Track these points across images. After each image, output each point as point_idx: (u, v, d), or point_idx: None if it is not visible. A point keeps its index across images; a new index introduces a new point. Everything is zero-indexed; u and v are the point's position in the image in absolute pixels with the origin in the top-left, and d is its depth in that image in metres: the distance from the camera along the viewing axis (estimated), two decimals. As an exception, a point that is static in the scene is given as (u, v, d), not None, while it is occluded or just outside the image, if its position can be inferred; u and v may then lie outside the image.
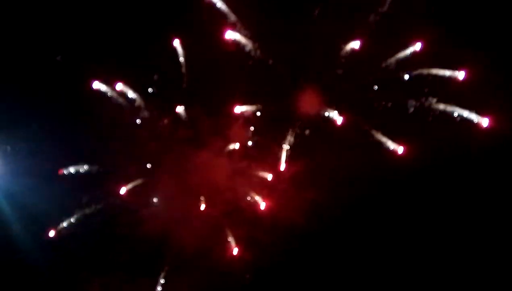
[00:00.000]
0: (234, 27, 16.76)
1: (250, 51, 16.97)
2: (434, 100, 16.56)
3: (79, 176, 19.59)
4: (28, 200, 20.02)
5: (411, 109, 16.29)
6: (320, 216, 18.58)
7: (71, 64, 18.59)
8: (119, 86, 18.41)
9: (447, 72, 16.21)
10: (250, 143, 18.27)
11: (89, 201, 19.88)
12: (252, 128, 18.03)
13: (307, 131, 17.82)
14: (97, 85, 18.50)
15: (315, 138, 18.00)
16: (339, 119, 17.36)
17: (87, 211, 19.71)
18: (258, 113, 17.56)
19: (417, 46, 16.54)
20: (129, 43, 18.29)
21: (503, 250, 16.97)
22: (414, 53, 16.46)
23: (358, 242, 18.52)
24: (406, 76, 16.48)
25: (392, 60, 16.81)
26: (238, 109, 17.58)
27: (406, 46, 16.67)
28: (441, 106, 16.51)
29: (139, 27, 18.12)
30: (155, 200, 19.36)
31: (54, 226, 19.48)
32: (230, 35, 16.66)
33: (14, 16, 18.43)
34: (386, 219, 18.22)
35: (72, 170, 19.26)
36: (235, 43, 16.88)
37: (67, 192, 19.85)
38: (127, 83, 18.66)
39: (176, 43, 18.65)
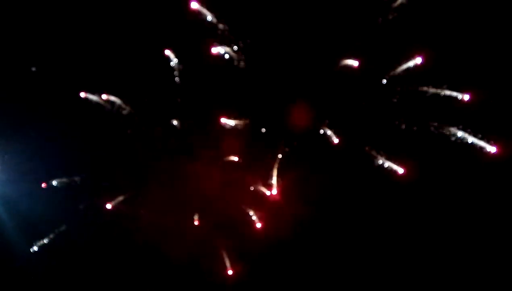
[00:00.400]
0: (224, 40, 15.85)
1: (240, 63, 16.04)
2: (436, 120, 15.38)
3: (75, 184, 19.55)
4: (26, 206, 20.10)
5: (403, 126, 15.06)
6: (313, 231, 17.97)
7: (65, 74, 18.32)
8: (105, 96, 17.94)
9: (452, 93, 14.86)
10: (241, 156, 17.55)
11: (84, 209, 19.85)
12: (243, 141, 17.28)
13: (300, 147, 16.89)
14: (85, 95, 18.12)
15: (308, 154, 17.07)
16: (335, 139, 16.32)
17: (81, 220, 19.68)
18: (251, 126, 16.79)
19: (418, 61, 15.19)
20: (121, 54, 17.81)
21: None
22: (414, 69, 15.17)
23: (352, 258, 17.87)
24: (406, 93, 15.30)
25: (391, 75, 15.56)
26: (225, 121, 16.77)
27: (406, 60, 15.42)
28: (445, 128, 15.25)
29: (131, 37, 17.61)
30: (145, 211, 19.08)
31: (50, 232, 19.53)
32: (217, 49, 15.75)
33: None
34: (381, 236, 17.42)
35: (60, 181, 19.16)
36: (225, 56, 15.99)
37: (64, 199, 19.89)
38: (118, 93, 18.23)
39: (168, 52, 17.90)
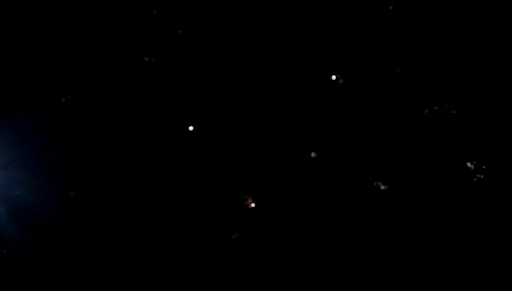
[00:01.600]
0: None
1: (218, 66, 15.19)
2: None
3: (64, 171, 19.60)
4: (15, 192, 20.24)
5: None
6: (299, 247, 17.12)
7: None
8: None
9: (436, 107, 13.62)
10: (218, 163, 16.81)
11: (76, 196, 19.89)
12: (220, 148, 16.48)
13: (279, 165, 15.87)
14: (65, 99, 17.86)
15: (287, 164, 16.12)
16: (313, 153, 15.25)
17: (71, 208, 19.70)
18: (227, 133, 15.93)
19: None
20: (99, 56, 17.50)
21: None
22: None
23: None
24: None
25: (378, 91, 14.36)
26: (192, 128, 16.01)
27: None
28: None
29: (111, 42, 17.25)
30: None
31: (40, 220, 19.61)
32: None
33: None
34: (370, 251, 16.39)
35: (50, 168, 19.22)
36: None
37: (55, 185, 19.94)
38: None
39: (148, 60, 17.31)
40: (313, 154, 14.85)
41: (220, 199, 17.57)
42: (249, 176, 16.43)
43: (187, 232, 18.59)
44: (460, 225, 16.23)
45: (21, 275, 21.35)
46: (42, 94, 19.35)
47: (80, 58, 19.22)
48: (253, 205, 16.00)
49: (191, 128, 15.73)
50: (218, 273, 17.22)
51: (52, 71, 19.34)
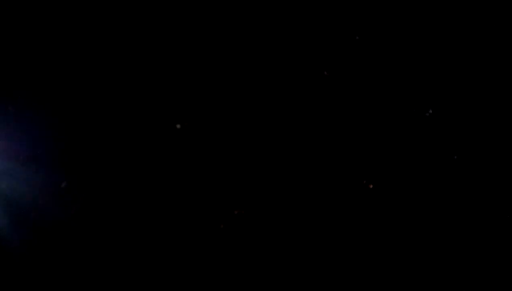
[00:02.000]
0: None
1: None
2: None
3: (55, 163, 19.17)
4: (6, 184, 19.99)
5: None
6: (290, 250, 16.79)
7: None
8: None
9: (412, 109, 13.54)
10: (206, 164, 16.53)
11: (68, 188, 19.52)
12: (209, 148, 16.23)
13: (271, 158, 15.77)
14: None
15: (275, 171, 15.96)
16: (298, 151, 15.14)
17: (62, 199, 19.33)
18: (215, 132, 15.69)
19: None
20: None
21: None
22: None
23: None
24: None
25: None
26: (179, 125, 15.80)
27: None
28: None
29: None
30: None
31: (31, 211, 19.31)
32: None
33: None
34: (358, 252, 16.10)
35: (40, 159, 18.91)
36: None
37: (45, 176, 19.59)
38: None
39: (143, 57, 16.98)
40: (306, 153, 14.76)
41: (213, 196, 17.30)
42: (244, 176, 16.23)
43: (182, 228, 18.33)
44: (456, 224, 16.02)
45: (10, 269, 21.04)
46: (31, 83, 19.08)
47: (71, 51, 18.91)
48: (247, 205, 15.85)
49: (178, 126, 15.68)
50: (213, 272, 17.02)
51: (45, 63, 19.06)
